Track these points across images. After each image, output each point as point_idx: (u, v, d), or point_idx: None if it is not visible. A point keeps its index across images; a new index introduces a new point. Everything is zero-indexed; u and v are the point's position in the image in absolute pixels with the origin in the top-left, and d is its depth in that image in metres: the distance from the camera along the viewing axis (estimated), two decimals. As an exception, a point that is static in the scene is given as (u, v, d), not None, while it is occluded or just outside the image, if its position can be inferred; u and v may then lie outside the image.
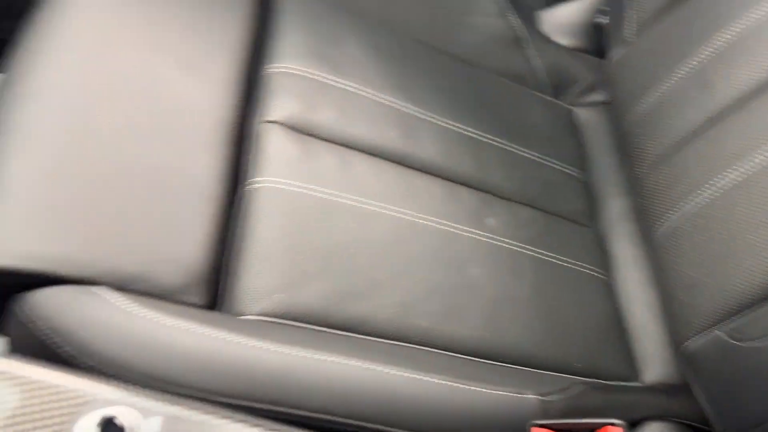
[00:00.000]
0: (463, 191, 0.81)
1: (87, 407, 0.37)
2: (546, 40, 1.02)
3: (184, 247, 0.61)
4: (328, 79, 0.81)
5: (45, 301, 0.52)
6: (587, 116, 1.01)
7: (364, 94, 0.82)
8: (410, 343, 0.66)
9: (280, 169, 0.71)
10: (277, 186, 0.70)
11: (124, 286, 0.55)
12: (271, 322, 0.61)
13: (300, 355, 0.53)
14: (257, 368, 0.52)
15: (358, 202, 0.72)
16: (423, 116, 0.85)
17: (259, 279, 0.63)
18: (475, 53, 0.96)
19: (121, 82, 0.66)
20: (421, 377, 0.57)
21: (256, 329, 0.57)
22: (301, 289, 0.64)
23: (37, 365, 0.39)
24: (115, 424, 0.36)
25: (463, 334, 0.70)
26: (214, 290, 0.63)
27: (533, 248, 0.80)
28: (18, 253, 0.53)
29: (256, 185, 0.69)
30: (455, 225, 0.76)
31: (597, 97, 1.01)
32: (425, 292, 0.70)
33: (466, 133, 0.87)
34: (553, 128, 0.96)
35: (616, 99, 0.91)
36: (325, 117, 0.78)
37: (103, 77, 0.66)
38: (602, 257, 0.86)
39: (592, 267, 0.84)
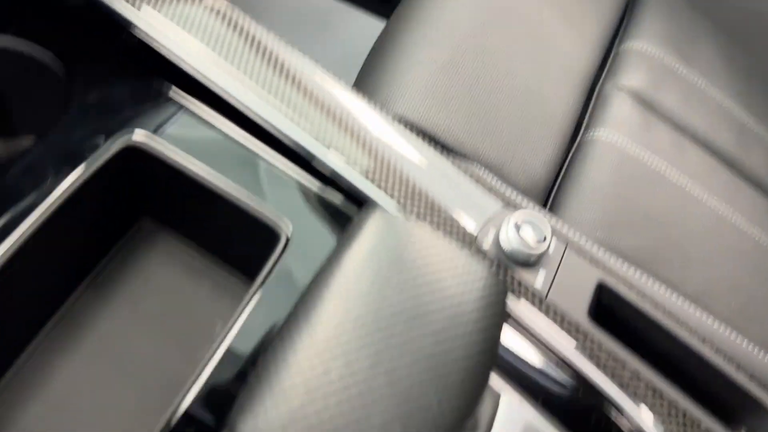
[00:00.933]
0: (786, 213, 0.78)
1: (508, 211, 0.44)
2: None
3: (533, 159, 0.67)
4: (677, 67, 0.84)
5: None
6: None
7: (707, 91, 0.84)
8: (706, 324, 0.66)
9: (621, 129, 0.75)
10: (615, 143, 0.73)
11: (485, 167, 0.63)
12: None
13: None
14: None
15: (683, 183, 0.74)
16: (758, 130, 0.84)
17: (585, 213, 0.67)
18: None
19: (513, 17, 0.75)
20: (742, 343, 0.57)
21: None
22: (619, 234, 0.67)
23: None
24: (534, 225, 0.42)
25: (755, 339, 0.68)
26: (542, 206, 0.68)
27: None
28: (419, 113, 0.62)
29: (597, 136, 0.74)
30: (772, 240, 0.75)
31: None
32: (728, 287, 0.70)
33: (798, 161, 0.84)
34: None
35: None
36: (668, 99, 0.80)
37: (500, 10, 0.75)
38: None
39: None
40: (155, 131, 0.44)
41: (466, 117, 0.66)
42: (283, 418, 0.25)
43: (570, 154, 0.73)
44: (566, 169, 0.72)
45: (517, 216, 0.42)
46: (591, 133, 0.74)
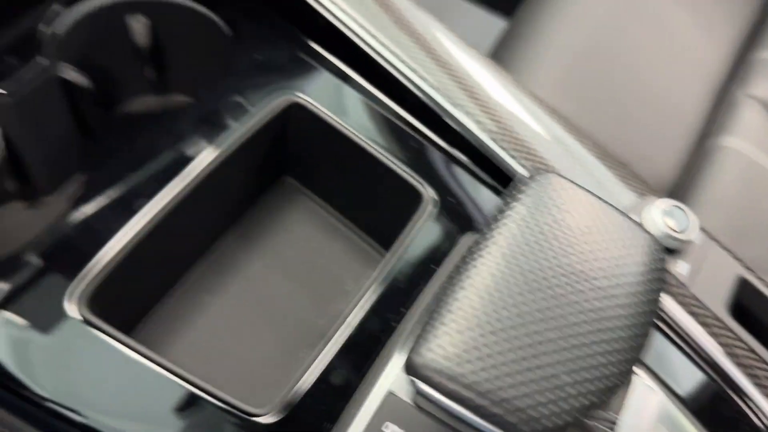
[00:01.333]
0: None
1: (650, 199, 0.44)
2: None
3: (659, 161, 0.67)
4: (814, 82, 0.80)
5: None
6: None
7: None
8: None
9: (750, 138, 0.73)
10: (743, 151, 0.71)
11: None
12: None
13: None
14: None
15: (813, 200, 0.71)
16: None
17: (710, 219, 0.65)
18: None
19: (645, 15, 0.74)
20: None
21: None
22: (745, 243, 0.65)
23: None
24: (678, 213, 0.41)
25: None
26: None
27: None
28: (551, 99, 0.63)
29: (725, 143, 0.72)
30: None
31: None
32: None
33: None
34: None
35: None
36: (802, 113, 0.77)
37: (634, 7, 0.74)
38: None
39: None
40: (309, 93, 0.47)
41: (595, 110, 0.66)
42: (458, 351, 0.26)
43: (696, 159, 0.72)
44: (692, 174, 0.70)
45: (662, 203, 0.42)
46: (719, 140, 0.72)
